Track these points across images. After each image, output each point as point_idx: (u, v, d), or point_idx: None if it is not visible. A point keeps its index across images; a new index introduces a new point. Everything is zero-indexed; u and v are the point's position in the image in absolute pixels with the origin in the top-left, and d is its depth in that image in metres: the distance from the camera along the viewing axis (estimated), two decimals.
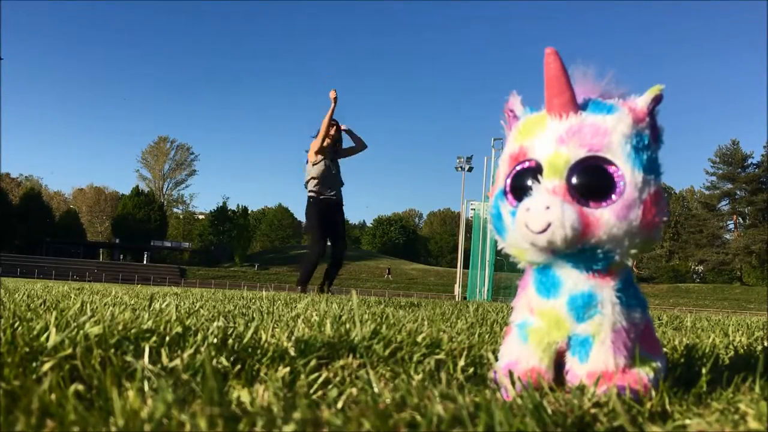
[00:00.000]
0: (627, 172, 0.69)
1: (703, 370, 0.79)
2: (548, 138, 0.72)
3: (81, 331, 0.83)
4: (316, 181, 6.04)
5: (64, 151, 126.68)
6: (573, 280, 0.74)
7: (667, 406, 0.69)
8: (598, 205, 0.68)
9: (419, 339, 1.01)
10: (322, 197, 6.07)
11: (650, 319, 0.79)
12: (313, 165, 6.10)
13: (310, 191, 6.11)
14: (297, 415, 0.55)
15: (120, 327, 0.91)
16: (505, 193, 0.75)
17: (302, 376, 0.78)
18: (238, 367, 0.81)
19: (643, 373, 0.72)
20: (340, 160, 6.30)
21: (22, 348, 0.76)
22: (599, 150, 0.69)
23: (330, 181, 6.10)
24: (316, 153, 6.03)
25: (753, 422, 0.61)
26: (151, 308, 1.55)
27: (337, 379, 0.80)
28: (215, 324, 1.07)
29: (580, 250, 0.70)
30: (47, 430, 0.53)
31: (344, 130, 6.28)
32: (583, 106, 0.73)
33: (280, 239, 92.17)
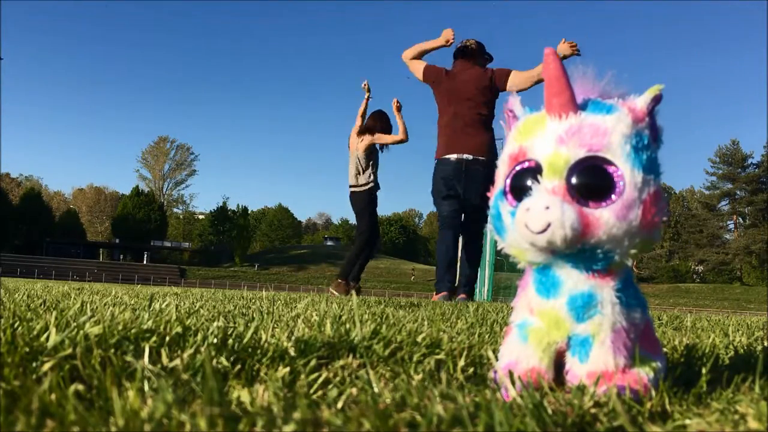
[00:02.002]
0: (626, 172, 0.69)
1: (703, 370, 0.79)
2: (548, 138, 0.72)
3: (81, 331, 0.83)
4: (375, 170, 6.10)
5: (64, 151, 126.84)
6: (573, 280, 0.74)
7: (667, 406, 0.69)
8: (598, 205, 0.69)
9: (419, 339, 1.01)
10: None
11: (650, 319, 0.79)
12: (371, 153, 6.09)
13: (370, 182, 6.12)
14: (297, 415, 0.55)
15: (120, 327, 0.91)
16: (504, 193, 0.75)
17: (302, 376, 0.78)
18: (238, 367, 0.81)
19: (643, 373, 0.72)
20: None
21: (22, 348, 0.76)
22: (599, 150, 0.70)
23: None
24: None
25: (753, 422, 0.61)
26: (151, 308, 1.55)
27: (337, 379, 0.80)
28: (215, 324, 1.07)
29: (579, 250, 0.70)
30: (47, 430, 0.53)
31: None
32: (582, 106, 0.73)
33: (280, 239, 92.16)
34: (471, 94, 4.54)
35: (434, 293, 4.73)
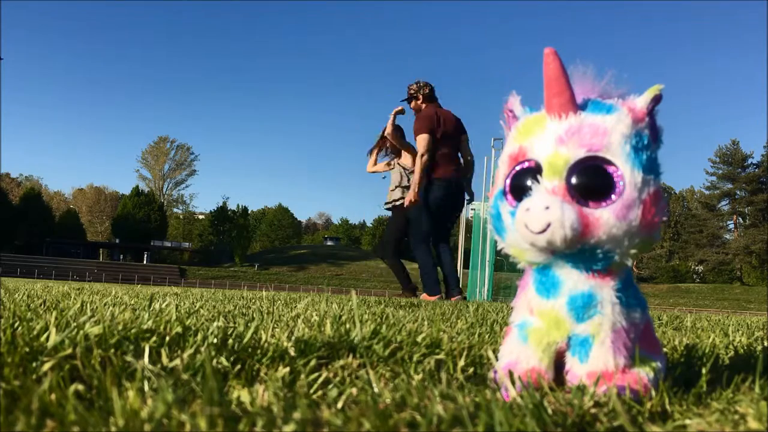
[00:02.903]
0: (626, 172, 0.69)
1: (703, 370, 0.79)
2: (547, 138, 0.72)
3: (81, 331, 0.83)
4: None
5: (64, 151, 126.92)
6: (573, 280, 0.74)
7: (667, 406, 0.69)
8: (598, 205, 0.69)
9: (419, 339, 1.01)
10: None
11: (650, 319, 0.79)
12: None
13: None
14: (297, 415, 0.55)
15: (120, 327, 0.91)
16: (504, 193, 0.75)
17: (302, 376, 0.78)
18: (238, 367, 0.81)
19: (643, 373, 0.72)
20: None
21: (22, 348, 0.76)
22: (599, 150, 0.70)
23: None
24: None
25: (753, 422, 0.61)
26: (151, 308, 1.55)
27: (337, 379, 0.80)
28: (215, 324, 1.07)
29: (579, 250, 0.70)
30: (47, 430, 0.53)
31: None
32: (582, 106, 0.73)
33: (280, 239, 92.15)
34: (452, 131, 5.83)
35: (426, 294, 5.59)
